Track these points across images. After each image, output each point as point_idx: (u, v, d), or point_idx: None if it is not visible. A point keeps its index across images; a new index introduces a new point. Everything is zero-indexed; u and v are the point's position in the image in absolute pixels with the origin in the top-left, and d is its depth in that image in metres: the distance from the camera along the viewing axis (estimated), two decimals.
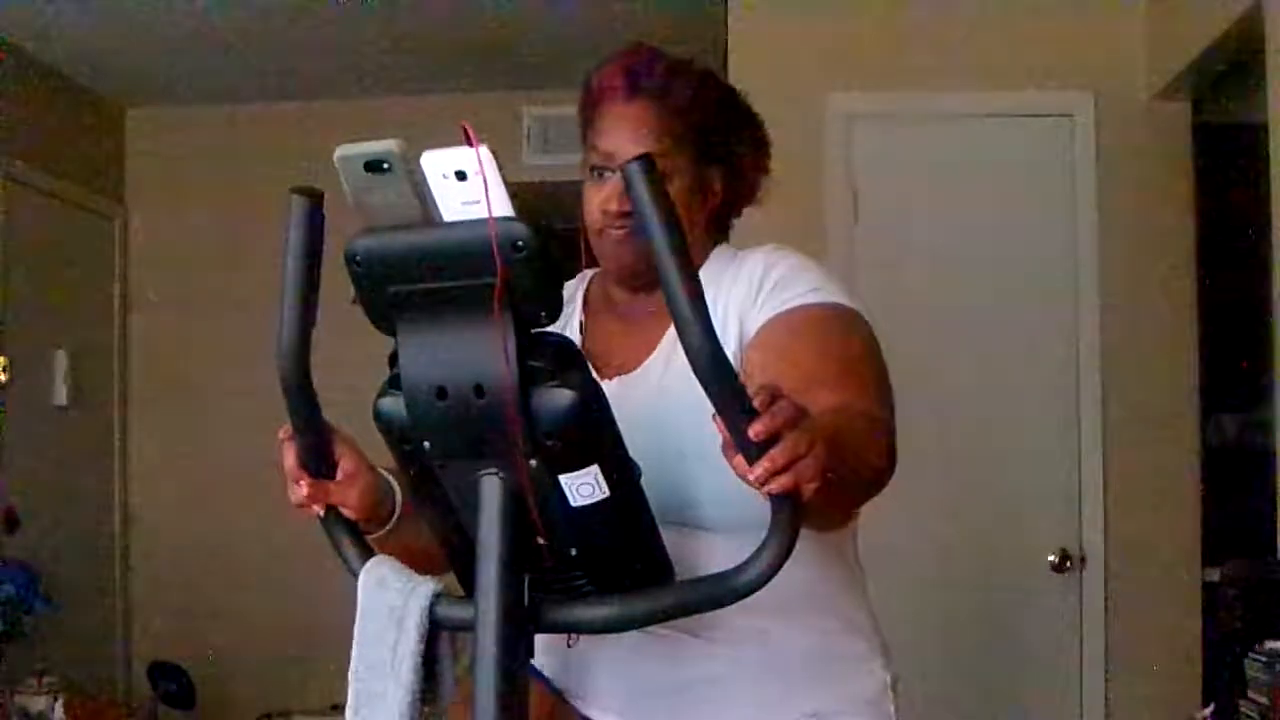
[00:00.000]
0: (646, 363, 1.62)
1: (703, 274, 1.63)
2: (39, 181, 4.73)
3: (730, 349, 1.56)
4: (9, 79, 4.55)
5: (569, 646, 1.54)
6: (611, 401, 1.55)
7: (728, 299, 1.61)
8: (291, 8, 4.31)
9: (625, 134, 1.61)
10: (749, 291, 1.60)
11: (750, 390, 1.14)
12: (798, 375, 1.39)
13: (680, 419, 1.43)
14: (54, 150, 4.88)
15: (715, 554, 1.41)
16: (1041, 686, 3.84)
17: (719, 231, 1.74)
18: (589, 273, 1.76)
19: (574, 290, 1.76)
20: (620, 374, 1.62)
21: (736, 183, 1.69)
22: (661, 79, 1.62)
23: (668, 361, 1.58)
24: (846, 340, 1.56)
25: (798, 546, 1.20)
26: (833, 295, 1.58)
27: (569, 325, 1.71)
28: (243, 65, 4.88)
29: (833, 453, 1.19)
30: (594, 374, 1.62)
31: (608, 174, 1.62)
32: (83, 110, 5.12)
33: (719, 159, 1.66)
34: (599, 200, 1.63)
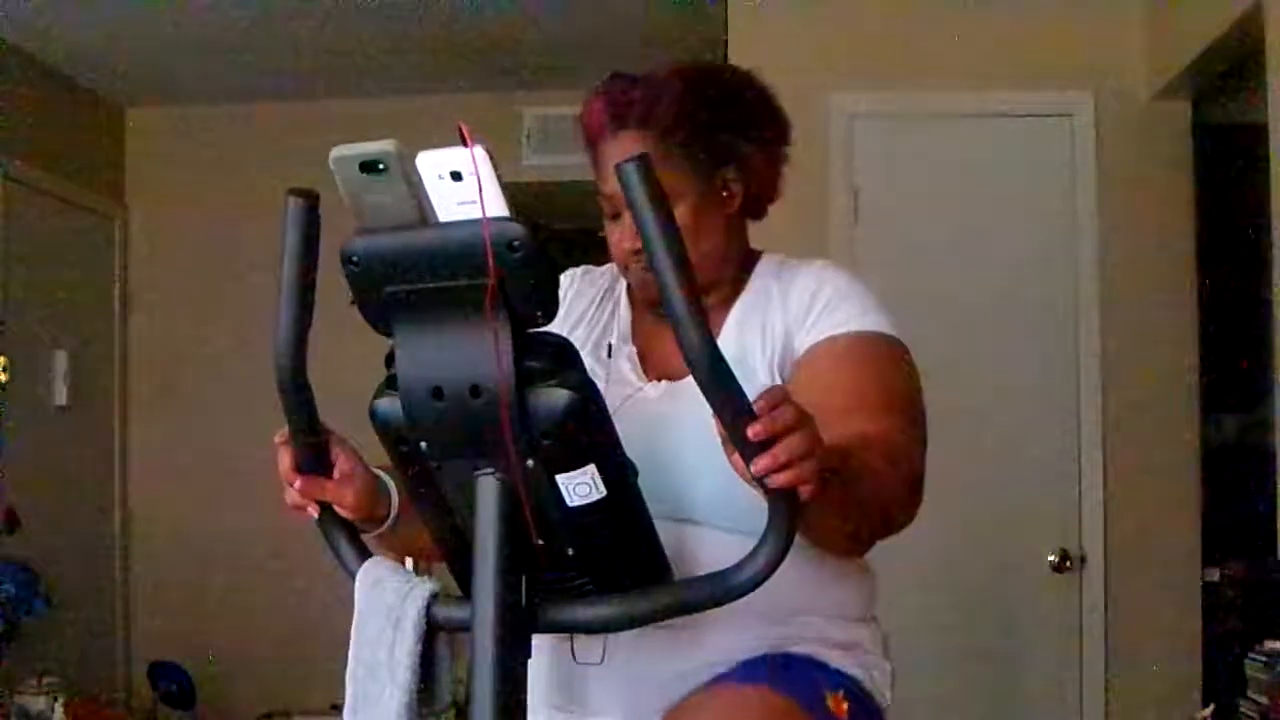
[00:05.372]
0: None
1: (751, 285, 1.66)
2: (39, 181, 4.73)
3: (770, 359, 1.59)
4: (9, 79, 4.55)
5: (604, 661, 1.53)
6: (653, 405, 1.57)
7: (776, 313, 1.62)
8: (291, 8, 4.31)
9: None
10: (799, 310, 1.61)
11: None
12: (833, 401, 1.41)
13: None
14: (54, 150, 4.88)
15: None
16: (1041, 686, 3.84)
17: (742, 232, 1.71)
18: None
19: (612, 280, 1.76)
20: (667, 379, 1.62)
21: (750, 179, 1.66)
22: (641, 105, 1.59)
23: None
24: (886, 371, 1.57)
25: (802, 549, 1.20)
26: (879, 324, 1.60)
27: (616, 320, 1.71)
28: (243, 65, 4.88)
29: (841, 471, 1.20)
30: (637, 375, 1.64)
31: (620, 215, 1.62)
32: (83, 110, 5.11)
33: (726, 160, 1.64)
34: (617, 238, 1.63)
